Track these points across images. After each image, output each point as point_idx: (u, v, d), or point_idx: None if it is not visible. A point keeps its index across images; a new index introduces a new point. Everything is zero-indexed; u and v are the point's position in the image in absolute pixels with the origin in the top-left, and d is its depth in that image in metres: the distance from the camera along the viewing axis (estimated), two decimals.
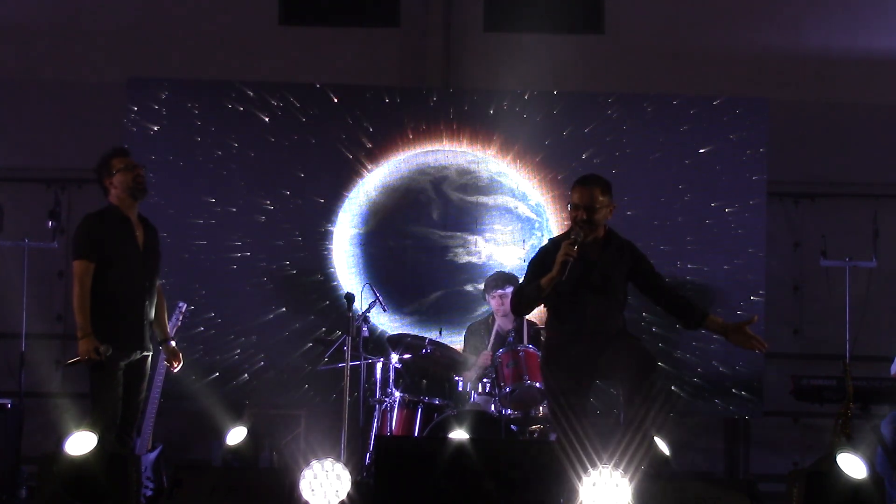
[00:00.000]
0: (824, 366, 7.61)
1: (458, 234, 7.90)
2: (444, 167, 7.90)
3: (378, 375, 6.93)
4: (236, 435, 6.68)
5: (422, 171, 7.91)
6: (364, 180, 7.85)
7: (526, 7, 8.49)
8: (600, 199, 5.43)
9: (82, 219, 5.79)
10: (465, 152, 7.90)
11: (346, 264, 7.85)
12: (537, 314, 6.93)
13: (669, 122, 7.87)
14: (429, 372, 7.35)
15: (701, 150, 7.85)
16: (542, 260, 5.53)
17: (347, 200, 7.85)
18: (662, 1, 8.55)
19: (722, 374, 7.74)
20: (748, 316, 5.71)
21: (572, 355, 5.43)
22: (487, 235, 7.89)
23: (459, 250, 7.88)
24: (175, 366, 6.05)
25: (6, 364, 7.71)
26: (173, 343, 6.10)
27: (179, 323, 6.53)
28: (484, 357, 7.02)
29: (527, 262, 5.72)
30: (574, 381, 5.46)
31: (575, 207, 5.43)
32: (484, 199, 7.91)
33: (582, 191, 5.46)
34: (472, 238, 7.89)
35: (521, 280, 6.10)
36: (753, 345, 5.40)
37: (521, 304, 5.60)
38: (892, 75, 8.37)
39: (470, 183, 7.90)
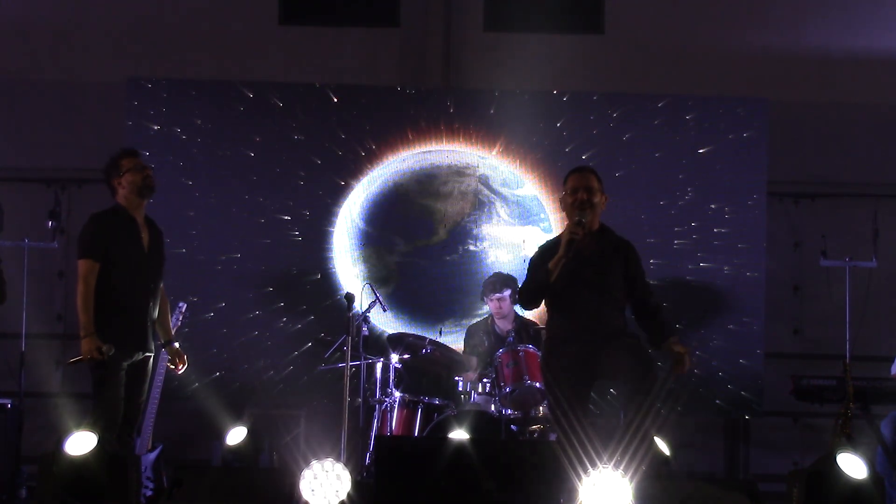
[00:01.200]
0: (824, 366, 7.61)
1: (524, 227, 7.91)
2: (475, 166, 7.90)
3: (378, 375, 6.93)
4: (236, 435, 6.68)
5: (459, 172, 7.90)
6: (363, 182, 7.86)
7: (526, 7, 8.50)
8: (596, 185, 5.49)
9: (89, 218, 5.80)
10: (465, 152, 7.91)
11: (346, 264, 7.86)
12: (537, 314, 6.94)
13: (669, 121, 7.87)
14: (429, 372, 7.35)
15: (701, 150, 7.85)
16: (542, 258, 5.55)
17: (347, 200, 7.85)
18: (662, 1, 8.55)
19: (722, 374, 7.74)
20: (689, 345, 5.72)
21: (571, 355, 5.43)
22: (542, 224, 7.90)
23: (530, 243, 7.88)
24: (180, 367, 6.06)
25: (6, 364, 7.71)
26: (177, 344, 6.11)
27: (179, 323, 6.53)
28: (467, 377, 7.03)
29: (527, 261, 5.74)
30: (573, 380, 5.45)
31: (574, 190, 5.46)
32: (523, 191, 7.91)
33: (579, 176, 5.53)
34: (535, 229, 7.91)
35: (521, 282, 6.09)
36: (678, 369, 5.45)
37: (530, 293, 5.56)
38: (892, 75, 8.37)
39: (509, 178, 7.91)
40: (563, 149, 7.82)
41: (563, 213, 5.67)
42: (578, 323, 5.44)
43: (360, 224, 7.88)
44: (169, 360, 6.09)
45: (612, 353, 5.39)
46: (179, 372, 6.10)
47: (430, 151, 7.89)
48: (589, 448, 5.24)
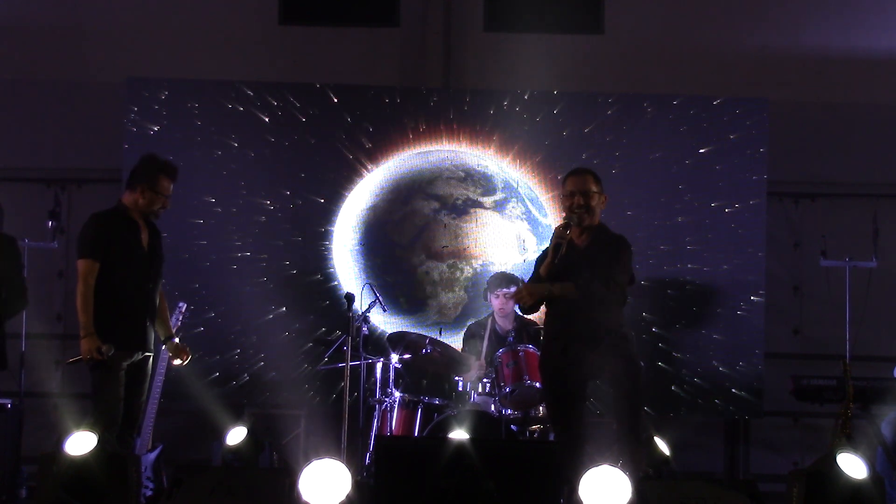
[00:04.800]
0: (824, 366, 7.60)
1: (524, 227, 7.93)
2: (475, 166, 7.90)
3: (378, 375, 6.93)
4: (236, 435, 6.66)
5: (459, 172, 7.91)
6: (363, 182, 7.86)
7: (526, 7, 8.49)
8: (593, 187, 5.53)
9: (89, 218, 5.80)
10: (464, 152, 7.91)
11: (346, 264, 7.86)
12: (537, 315, 6.94)
13: (669, 122, 7.87)
14: (429, 372, 7.35)
15: (701, 150, 7.85)
16: (543, 261, 5.59)
17: (347, 200, 7.85)
18: (662, 1, 8.55)
19: (722, 374, 7.74)
20: None
21: (565, 353, 5.47)
22: (542, 225, 7.92)
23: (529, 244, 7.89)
24: (184, 359, 6.04)
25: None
26: (177, 339, 6.11)
27: (179, 323, 6.53)
28: (477, 365, 7.03)
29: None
30: (569, 380, 5.48)
31: (570, 195, 5.54)
32: (523, 192, 7.93)
33: (576, 179, 5.59)
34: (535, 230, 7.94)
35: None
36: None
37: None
38: (892, 75, 8.37)
39: (509, 178, 7.92)
40: (563, 149, 7.82)
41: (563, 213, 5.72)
42: (570, 320, 5.49)
43: (360, 224, 7.88)
44: (171, 356, 6.10)
45: (600, 356, 5.44)
46: (183, 365, 6.09)
47: (430, 151, 7.89)
48: (588, 448, 5.26)
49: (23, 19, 8.35)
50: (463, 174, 7.88)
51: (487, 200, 7.89)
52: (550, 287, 5.47)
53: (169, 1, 8.48)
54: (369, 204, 7.88)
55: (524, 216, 7.86)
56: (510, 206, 7.88)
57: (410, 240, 7.89)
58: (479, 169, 7.88)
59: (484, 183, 7.89)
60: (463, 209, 7.90)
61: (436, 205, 7.89)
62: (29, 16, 8.37)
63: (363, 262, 7.86)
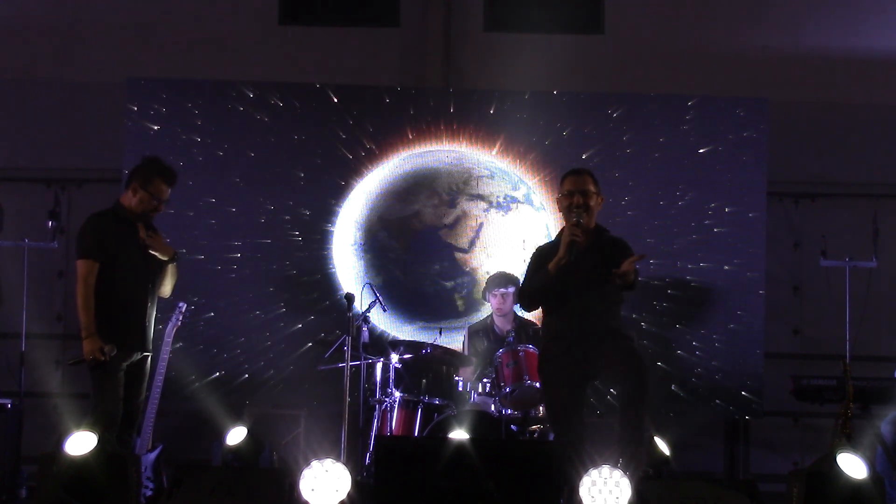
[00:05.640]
0: (824, 366, 7.61)
1: (524, 227, 7.94)
2: (475, 166, 7.90)
3: (378, 375, 6.93)
4: (236, 435, 6.67)
5: (459, 172, 7.91)
6: (363, 182, 7.86)
7: (526, 7, 8.50)
8: (591, 187, 5.53)
9: (87, 218, 5.80)
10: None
11: (346, 264, 7.86)
12: (537, 314, 6.94)
13: (669, 122, 7.86)
14: (429, 370, 7.34)
15: (701, 150, 7.85)
16: (540, 260, 5.58)
17: (348, 200, 7.85)
18: (662, 1, 8.56)
19: (722, 374, 7.74)
20: None
21: (566, 354, 5.46)
22: (541, 225, 7.93)
23: (529, 244, 7.88)
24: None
25: (6, 364, 7.71)
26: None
27: (179, 323, 6.51)
28: (467, 374, 7.03)
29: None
30: (569, 380, 5.48)
31: (570, 194, 5.53)
32: (523, 192, 7.93)
33: (575, 178, 5.59)
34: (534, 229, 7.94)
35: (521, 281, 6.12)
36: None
37: (530, 295, 5.65)
38: (892, 75, 8.37)
39: (509, 178, 7.93)
40: (563, 149, 7.82)
41: (560, 214, 5.71)
42: (571, 321, 5.48)
43: (361, 224, 7.88)
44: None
45: (605, 355, 5.42)
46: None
47: (430, 151, 7.89)
48: (587, 448, 5.26)
49: (23, 19, 8.36)
50: (488, 172, 7.88)
51: (519, 194, 7.90)
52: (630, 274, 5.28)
53: (169, 1, 8.49)
54: (369, 203, 7.87)
55: (543, 206, 7.87)
56: (534, 196, 7.89)
57: (470, 241, 7.89)
58: (497, 165, 7.88)
59: (508, 178, 7.89)
60: (506, 206, 7.91)
61: (483, 204, 7.91)
62: (29, 16, 8.38)
63: (419, 268, 7.83)
